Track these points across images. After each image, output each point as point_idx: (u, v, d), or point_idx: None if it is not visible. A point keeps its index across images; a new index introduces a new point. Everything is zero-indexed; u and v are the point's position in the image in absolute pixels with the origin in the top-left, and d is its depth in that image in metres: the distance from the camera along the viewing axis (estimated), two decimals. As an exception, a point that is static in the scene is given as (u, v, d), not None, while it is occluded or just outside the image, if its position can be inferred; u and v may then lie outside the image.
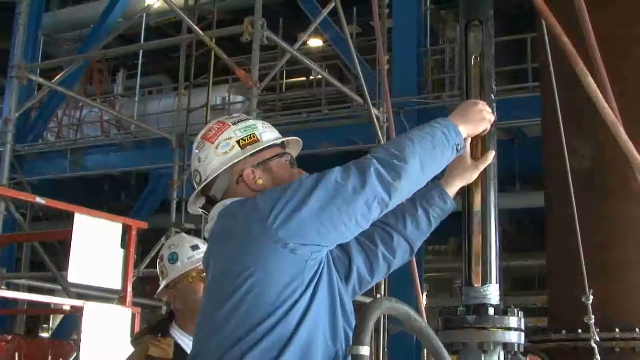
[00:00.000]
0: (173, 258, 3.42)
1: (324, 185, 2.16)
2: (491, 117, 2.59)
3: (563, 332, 4.19)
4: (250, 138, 2.40)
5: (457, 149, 2.40)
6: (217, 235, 2.31)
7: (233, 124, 2.43)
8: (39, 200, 7.55)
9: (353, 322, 2.26)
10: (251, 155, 2.39)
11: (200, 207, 2.50)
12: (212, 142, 2.40)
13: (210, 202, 2.43)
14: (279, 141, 2.46)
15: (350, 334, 2.20)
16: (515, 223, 14.93)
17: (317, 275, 2.22)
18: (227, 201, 2.34)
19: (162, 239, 10.04)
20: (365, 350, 1.89)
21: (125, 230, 7.31)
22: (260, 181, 2.36)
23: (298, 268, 2.17)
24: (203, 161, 2.41)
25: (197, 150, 2.46)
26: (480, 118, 2.54)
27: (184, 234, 3.78)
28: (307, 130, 11.67)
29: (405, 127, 11.53)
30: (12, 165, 11.22)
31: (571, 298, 3.82)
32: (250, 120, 2.47)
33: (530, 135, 11.67)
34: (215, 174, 2.37)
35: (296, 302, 2.15)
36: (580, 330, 3.97)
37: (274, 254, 2.15)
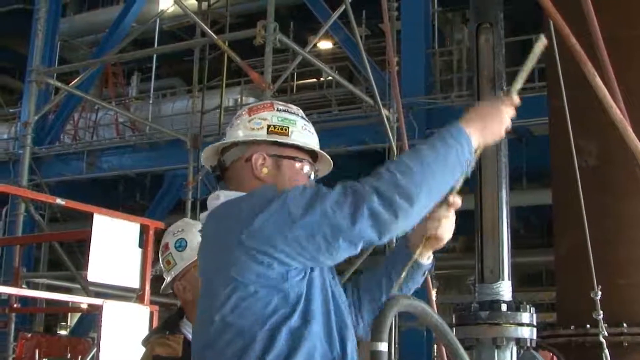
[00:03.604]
0: (181, 245, 3.10)
1: (313, 212, 2.03)
2: (509, 125, 2.33)
3: (572, 327, 4.20)
4: (281, 129, 2.33)
5: (466, 167, 2.18)
6: (205, 236, 2.27)
7: (277, 110, 2.38)
8: (59, 201, 7.64)
9: (347, 321, 2.23)
10: (272, 144, 2.32)
11: (210, 165, 2.45)
12: (250, 115, 2.38)
13: (219, 165, 2.39)
14: (301, 145, 2.35)
15: (346, 333, 2.18)
16: (523, 220, 14.98)
17: (305, 287, 2.13)
18: (222, 197, 2.28)
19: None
20: (383, 346, 1.89)
21: (143, 230, 7.41)
22: (265, 171, 2.30)
23: (280, 284, 2.09)
24: (233, 126, 2.40)
25: (237, 115, 2.44)
26: (498, 130, 2.28)
27: (187, 219, 3.40)
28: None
29: (414, 127, 11.66)
30: (31, 167, 11.39)
31: (580, 294, 3.84)
32: (295, 117, 2.39)
33: (537, 134, 11.77)
34: (233, 141, 2.35)
35: (287, 317, 2.08)
36: (588, 326, 3.97)
37: (252, 270, 2.08)
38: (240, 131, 2.36)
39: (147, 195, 16.06)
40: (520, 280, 16.62)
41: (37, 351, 9.44)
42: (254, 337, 2.06)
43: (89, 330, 13.56)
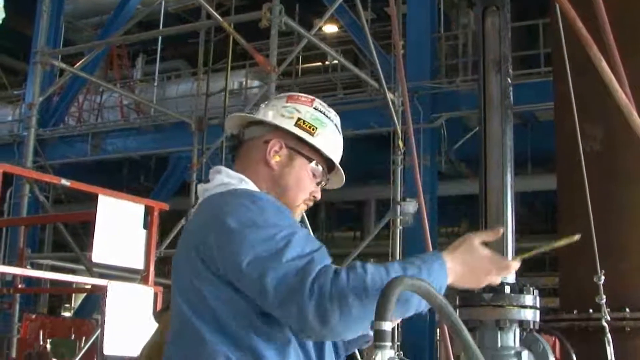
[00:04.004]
0: None
1: (285, 273, 1.94)
2: (497, 280, 2.16)
3: (574, 312, 4.19)
4: (309, 127, 2.30)
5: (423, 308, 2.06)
6: (189, 228, 2.23)
7: (315, 108, 2.35)
8: (64, 182, 7.67)
9: None
10: (294, 137, 2.29)
11: (230, 132, 2.44)
12: (287, 103, 2.35)
13: (238, 136, 2.37)
14: (320, 149, 2.31)
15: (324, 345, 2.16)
16: (527, 206, 15.02)
17: None
18: (223, 173, 2.26)
19: (182, 220, 10.22)
20: (387, 325, 1.86)
21: (148, 212, 7.44)
22: (277, 158, 2.28)
23: (246, 303, 2.04)
24: (268, 105, 2.38)
25: (278, 96, 2.42)
26: (481, 280, 2.13)
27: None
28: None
29: (419, 111, 11.67)
30: (35, 149, 11.40)
31: (583, 279, 3.85)
32: (329, 122, 2.35)
33: (542, 120, 11.78)
34: (261, 119, 2.33)
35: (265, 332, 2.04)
36: (591, 310, 3.98)
37: (219, 287, 2.05)
38: (271, 112, 2.33)
39: (151, 178, 16.10)
40: (524, 266, 16.70)
41: (41, 332, 9.52)
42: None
43: (92, 312, 13.64)
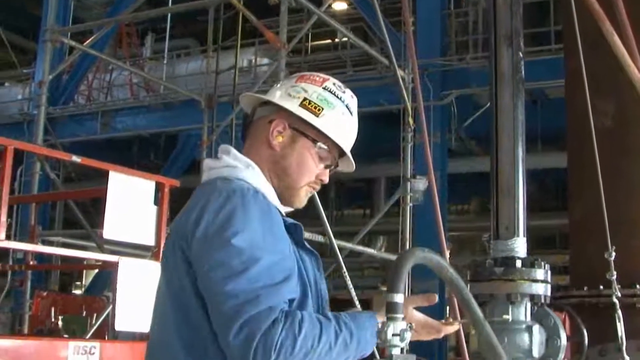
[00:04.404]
0: None
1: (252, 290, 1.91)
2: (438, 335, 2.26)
3: (585, 288, 4.13)
4: (314, 107, 2.21)
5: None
6: (185, 211, 2.16)
7: (324, 88, 2.25)
8: (75, 158, 7.67)
9: (326, 307, 2.19)
10: (299, 117, 2.21)
11: (245, 109, 2.38)
12: (296, 82, 2.26)
13: (249, 116, 2.33)
14: (321, 129, 2.22)
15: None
16: (537, 183, 15.01)
17: (300, 291, 2.06)
18: (231, 153, 2.22)
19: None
20: (399, 297, 1.91)
21: (158, 188, 7.45)
22: (279, 139, 2.21)
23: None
24: (279, 86, 2.30)
25: (292, 75, 2.34)
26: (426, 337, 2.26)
27: None
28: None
29: (429, 88, 11.65)
30: (45, 128, 11.44)
31: (593, 255, 3.82)
32: (339, 103, 2.25)
33: (552, 97, 11.74)
34: (267, 99, 2.27)
35: None
36: (602, 287, 3.91)
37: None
38: (279, 92, 2.26)
39: (161, 156, 16.16)
40: (534, 243, 16.75)
41: (52, 309, 9.58)
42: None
43: (103, 290, 13.72)
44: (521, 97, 2.84)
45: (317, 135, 2.22)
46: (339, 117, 2.24)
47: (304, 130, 2.21)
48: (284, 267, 2.00)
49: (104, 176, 7.11)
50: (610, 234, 3.57)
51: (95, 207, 12.34)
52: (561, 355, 2.74)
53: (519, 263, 2.71)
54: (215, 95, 11.29)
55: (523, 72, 2.87)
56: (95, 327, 7.86)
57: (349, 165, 2.33)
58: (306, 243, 2.23)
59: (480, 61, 12.35)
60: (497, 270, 2.70)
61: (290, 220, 2.19)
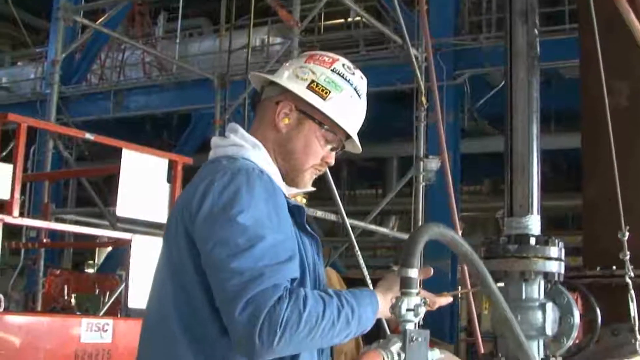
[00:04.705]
0: None
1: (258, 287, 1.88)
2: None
3: (598, 268, 4.15)
4: (321, 90, 2.19)
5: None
6: (189, 188, 2.13)
7: (332, 70, 2.22)
8: (89, 136, 7.69)
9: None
10: (304, 100, 2.19)
11: (255, 87, 2.37)
12: (305, 63, 2.24)
13: (257, 94, 2.33)
14: (326, 113, 2.20)
15: None
16: (550, 164, 14.97)
17: (299, 272, 2.05)
18: (239, 132, 2.22)
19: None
20: (413, 272, 1.90)
21: (171, 166, 7.46)
22: (286, 121, 2.20)
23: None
24: (288, 66, 2.28)
25: (302, 55, 2.32)
26: None
27: None
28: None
29: (442, 68, 11.60)
30: (58, 107, 11.47)
31: (607, 235, 3.81)
32: (348, 86, 2.23)
33: (566, 77, 11.68)
34: (274, 80, 2.24)
35: None
36: (615, 267, 3.93)
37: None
38: (287, 72, 2.24)
39: (173, 135, 16.16)
40: (546, 224, 16.73)
41: (65, 287, 9.64)
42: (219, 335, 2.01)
43: (116, 268, 13.80)
44: (536, 74, 2.81)
45: (323, 118, 2.20)
46: (347, 100, 2.22)
47: (310, 113, 2.20)
48: (288, 247, 2.00)
49: (116, 156, 7.12)
50: (623, 214, 3.56)
51: (108, 185, 12.41)
52: (574, 333, 2.74)
53: (532, 240, 2.69)
54: (228, 74, 11.29)
55: (538, 49, 2.86)
56: (108, 305, 7.90)
57: (355, 147, 2.33)
58: (307, 226, 2.22)
59: (494, 41, 12.30)
60: (510, 247, 2.68)
61: (293, 201, 2.20)
